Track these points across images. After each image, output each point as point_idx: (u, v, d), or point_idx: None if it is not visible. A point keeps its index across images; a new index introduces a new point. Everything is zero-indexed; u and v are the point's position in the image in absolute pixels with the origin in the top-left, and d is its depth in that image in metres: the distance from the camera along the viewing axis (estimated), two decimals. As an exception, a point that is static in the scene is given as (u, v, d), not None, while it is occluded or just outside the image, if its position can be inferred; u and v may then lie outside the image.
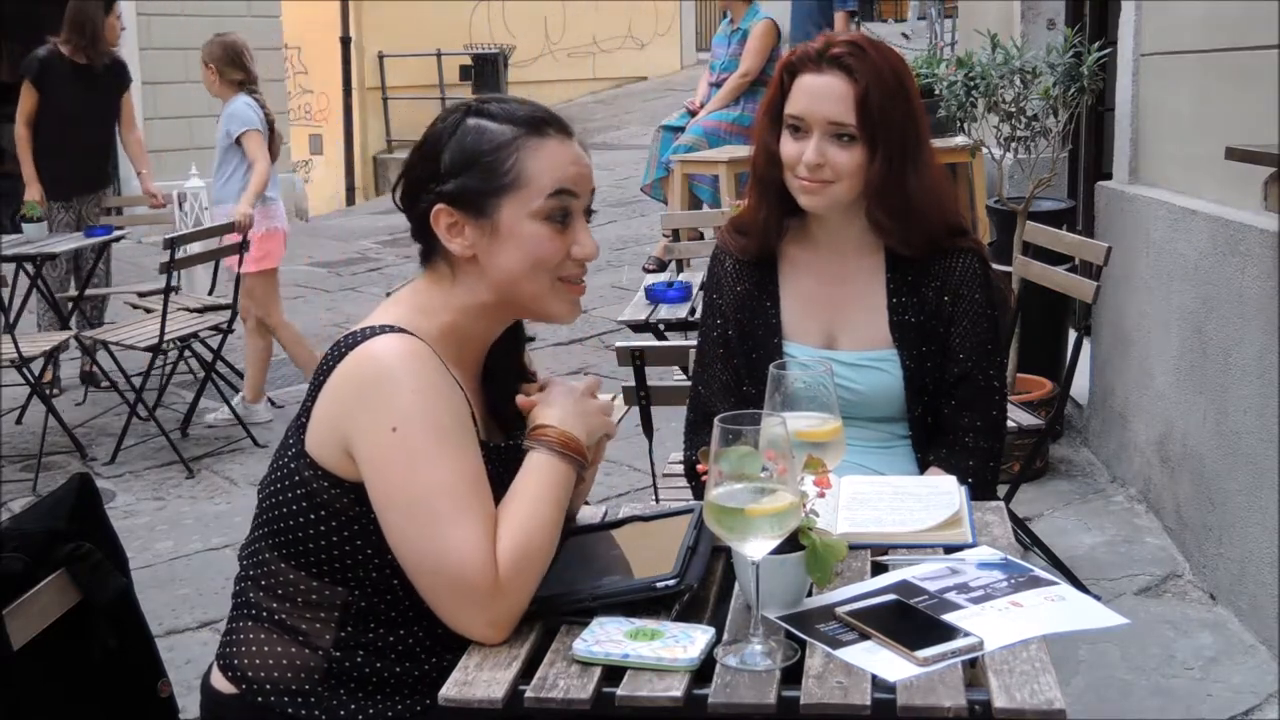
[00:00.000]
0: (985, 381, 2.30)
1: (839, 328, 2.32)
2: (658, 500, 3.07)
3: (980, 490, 2.23)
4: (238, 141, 5.59)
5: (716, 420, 1.51)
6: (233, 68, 5.65)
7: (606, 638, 1.54)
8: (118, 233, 6.38)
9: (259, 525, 1.80)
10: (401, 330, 1.71)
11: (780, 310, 2.34)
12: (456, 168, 1.74)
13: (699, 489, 2.41)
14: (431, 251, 1.80)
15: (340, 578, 1.74)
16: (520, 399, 1.84)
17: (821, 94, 2.20)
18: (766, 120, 2.29)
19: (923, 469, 2.32)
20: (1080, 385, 4.78)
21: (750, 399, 2.28)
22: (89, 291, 6.26)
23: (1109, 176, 4.81)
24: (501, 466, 1.79)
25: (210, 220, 5.91)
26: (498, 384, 1.87)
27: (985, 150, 4.93)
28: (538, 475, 1.72)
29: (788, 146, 2.24)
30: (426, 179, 1.76)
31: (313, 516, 1.72)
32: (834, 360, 2.27)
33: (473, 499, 1.65)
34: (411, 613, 1.73)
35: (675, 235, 5.55)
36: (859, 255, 2.32)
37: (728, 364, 2.39)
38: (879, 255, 2.32)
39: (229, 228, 5.57)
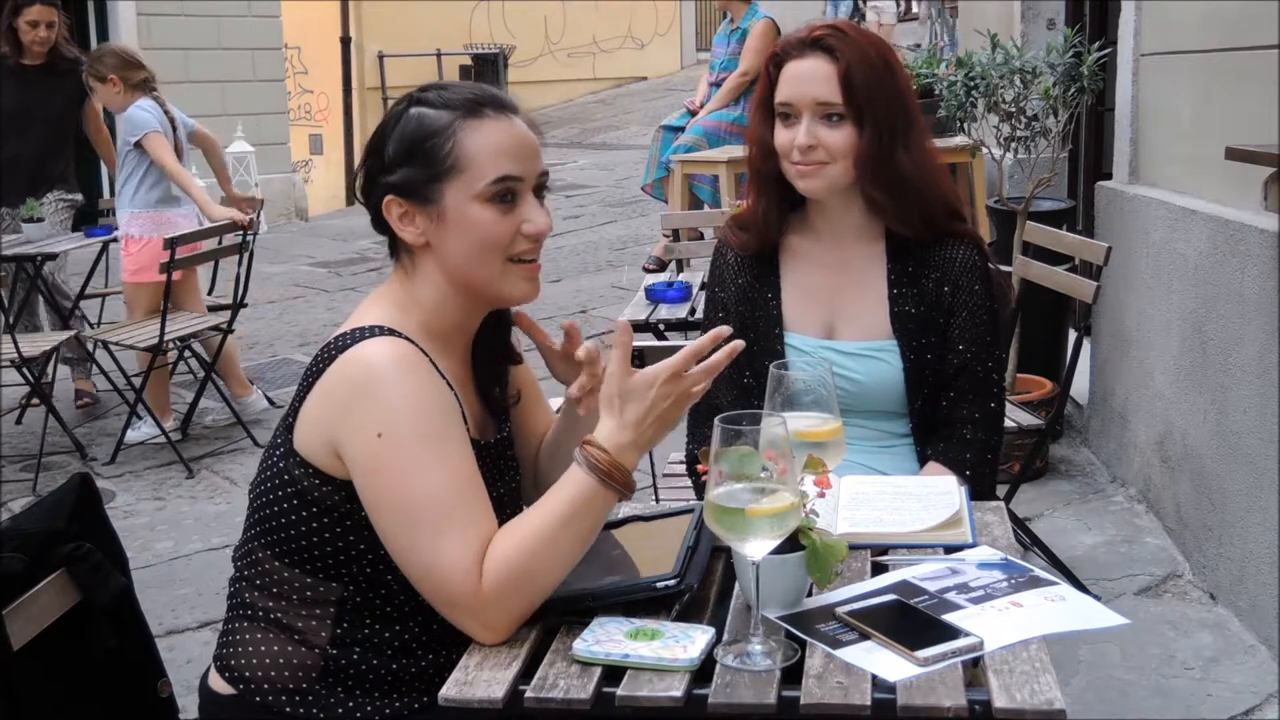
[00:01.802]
0: (984, 374, 2.31)
1: (839, 317, 2.33)
2: (658, 500, 3.07)
3: (978, 484, 2.23)
4: (137, 146, 5.43)
5: (716, 420, 1.51)
6: (132, 69, 5.49)
7: (606, 638, 1.54)
8: (117, 233, 6.35)
9: (251, 525, 1.81)
10: (391, 332, 1.71)
11: (781, 301, 2.35)
12: (400, 157, 1.75)
13: (700, 484, 2.41)
14: (395, 243, 1.81)
15: (334, 574, 1.74)
16: (580, 382, 1.83)
17: (806, 76, 2.23)
18: (759, 115, 2.32)
19: (923, 464, 2.32)
20: (1080, 385, 4.78)
21: (750, 390, 2.29)
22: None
23: (1109, 176, 4.81)
24: (494, 463, 1.80)
25: (121, 226, 5.58)
26: (484, 371, 1.87)
27: (985, 150, 4.93)
28: (571, 494, 1.64)
29: (780, 135, 2.26)
30: (375, 172, 1.78)
31: (304, 514, 1.72)
32: (833, 350, 2.28)
33: (459, 507, 1.63)
34: (407, 608, 1.73)
35: (675, 235, 5.55)
36: (859, 243, 2.33)
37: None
38: (879, 244, 2.33)
39: (231, 227, 5.57)
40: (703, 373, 1.64)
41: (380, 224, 1.80)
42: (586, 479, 1.63)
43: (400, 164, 1.74)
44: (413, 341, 1.71)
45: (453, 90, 1.78)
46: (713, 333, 1.68)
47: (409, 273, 1.80)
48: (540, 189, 1.80)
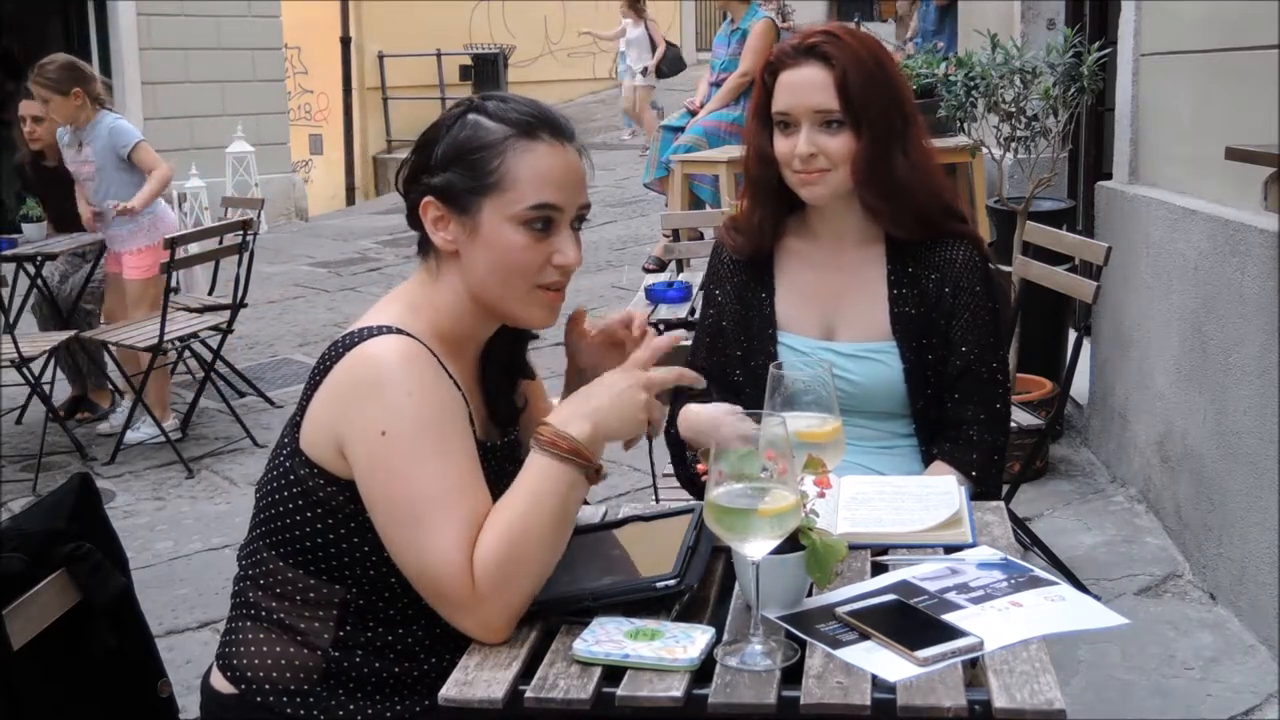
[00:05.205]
0: (988, 374, 2.30)
1: (838, 319, 2.33)
2: (658, 500, 3.06)
3: (984, 485, 2.23)
4: (128, 158, 5.35)
5: (717, 420, 1.51)
6: (93, 81, 5.36)
7: (606, 638, 1.54)
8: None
9: (257, 525, 1.81)
10: (399, 331, 1.71)
11: (775, 302, 2.35)
12: (446, 161, 1.75)
13: (685, 478, 2.42)
14: (425, 242, 1.81)
15: (338, 575, 1.74)
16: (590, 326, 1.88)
17: (802, 85, 2.23)
18: (757, 123, 2.32)
19: (928, 464, 2.32)
20: (1080, 385, 4.78)
21: (739, 387, 2.31)
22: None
23: (1109, 176, 4.81)
24: (499, 466, 1.79)
25: (123, 240, 5.53)
26: (494, 381, 1.87)
27: (985, 150, 4.93)
28: (529, 476, 1.68)
29: (780, 144, 2.26)
30: (419, 170, 1.78)
31: (309, 514, 1.72)
32: (832, 351, 2.29)
33: (456, 507, 1.63)
34: (410, 611, 1.73)
35: (675, 235, 5.55)
36: (858, 246, 2.33)
37: (713, 351, 2.40)
38: (879, 246, 2.33)
39: (230, 227, 5.56)
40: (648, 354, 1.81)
41: (414, 220, 1.80)
42: (539, 457, 1.66)
43: (445, 168, 1.74)
44: (421, 342, 1.71)
45: (513, 105, 1.77)
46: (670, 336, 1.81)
47: (432, 275, 1.80)
48: (578, 220, 1.79)
